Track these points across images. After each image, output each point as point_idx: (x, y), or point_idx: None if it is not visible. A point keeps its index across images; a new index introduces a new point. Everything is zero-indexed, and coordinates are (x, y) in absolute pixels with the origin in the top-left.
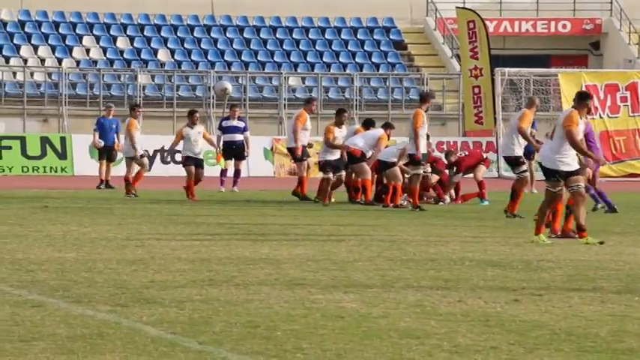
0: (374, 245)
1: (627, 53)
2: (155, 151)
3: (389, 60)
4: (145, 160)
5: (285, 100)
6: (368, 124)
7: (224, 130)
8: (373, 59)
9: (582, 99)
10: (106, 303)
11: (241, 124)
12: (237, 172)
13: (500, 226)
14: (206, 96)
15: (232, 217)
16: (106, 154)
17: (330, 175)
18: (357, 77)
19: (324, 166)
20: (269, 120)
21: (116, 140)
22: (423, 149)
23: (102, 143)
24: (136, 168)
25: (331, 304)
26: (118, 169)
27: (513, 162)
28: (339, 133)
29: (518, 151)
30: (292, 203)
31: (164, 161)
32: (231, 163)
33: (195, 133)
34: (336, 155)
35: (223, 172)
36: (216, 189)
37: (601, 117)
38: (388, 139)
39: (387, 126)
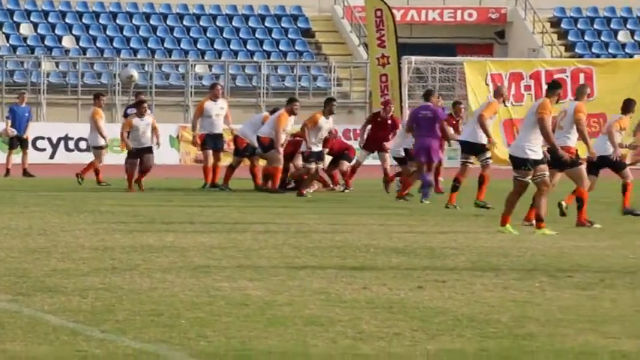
0: (280, 233)
1: (532, 42)
2: (59, 139)
3: (296, 48)
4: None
5: (191, 87)
6: (274, 112)
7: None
8: (281, 47)
9: (553, 88)
10: (6, 292)
11: None
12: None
13: (405, 214)
14: (111, 83)
15: (137, 205)
16: (19, 142)
17: (313, 165)
18: (265, 65)
19: (308, 157)
20: (175, 107)
21: (27, 129)
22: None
23: (14, 132)
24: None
25: (236, 292)
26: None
27: (479, 149)
28: (326, 124)
29: (483, 140)
30: (198, 192)
31: (68, 149)
32: None
33: (144, 125)
34: (320, 147)
35: None
36: (120, 177)
37: (505, 105)
38: (292, 113)
39: (290, 101)
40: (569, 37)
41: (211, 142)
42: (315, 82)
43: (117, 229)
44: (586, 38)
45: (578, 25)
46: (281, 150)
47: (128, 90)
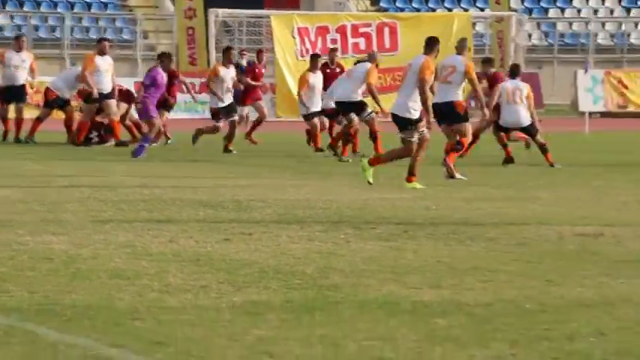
0: (85, 187)
1: None
2: None
3: None
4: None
5: None
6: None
7: None
8: None
9: (432, 44)
10: None
11: None
12: None
13: (213, 167)
14: None
15: None
16: None
17: (221, 123)
18: (69, 16)
19: (215, 114)
20: None
21: None
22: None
23: None
24: None
25: (40, 246)
26: None
27: (357, 108)
28: (227, 73)
29: (357, 97)
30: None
31: None
32: None
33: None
34: (229, 100)
35: None
36: None
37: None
38: (100, 53)
39: (98, 42)
40: None
41: (10, 94)
42: (120, 34)
43: None
44: None
45: None
46: (95, 92)
47: None
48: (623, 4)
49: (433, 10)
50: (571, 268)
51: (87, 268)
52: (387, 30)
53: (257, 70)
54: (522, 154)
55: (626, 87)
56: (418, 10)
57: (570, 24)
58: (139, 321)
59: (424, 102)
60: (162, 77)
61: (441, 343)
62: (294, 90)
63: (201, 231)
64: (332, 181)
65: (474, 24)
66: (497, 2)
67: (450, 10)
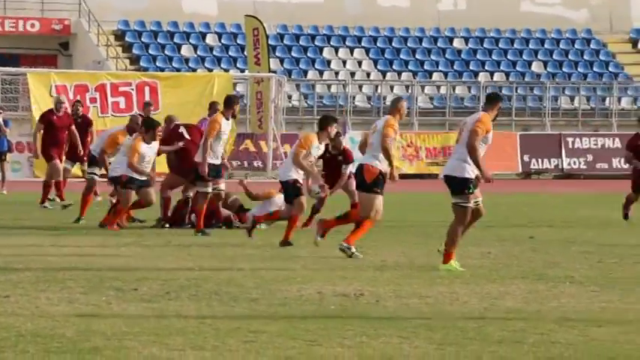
0: None
1: (97, 54)
2: None
3: None
4: None
5: None
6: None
7: None
8: None
9: (492, 100)
10: None
11: None
12: None
13: None
14: None
15: None
16: None
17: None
18: None
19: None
20: None
21: None
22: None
23: None
24: None
25: None
26: None
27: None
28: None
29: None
30: None
31: None
32: None
33: None
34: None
35: None
36: None
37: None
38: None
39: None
40: (134, 51)
41: None
42: None
43: None
44: (150, 52)
45: (143, 39)
46: None
47: None
48: (379, 67)
49: (194, 70)
50: (332, 328)
51: None
52: (147, 89)
53: None
54: None
55: None
56: (179, 69)
57: (329, 86)
58: None
59: (475, 157)
60: None
61: None
62: None
63: None
64: (94, 242)
65: (234, 84)
66: (257, 63)
67: (210, 70)
